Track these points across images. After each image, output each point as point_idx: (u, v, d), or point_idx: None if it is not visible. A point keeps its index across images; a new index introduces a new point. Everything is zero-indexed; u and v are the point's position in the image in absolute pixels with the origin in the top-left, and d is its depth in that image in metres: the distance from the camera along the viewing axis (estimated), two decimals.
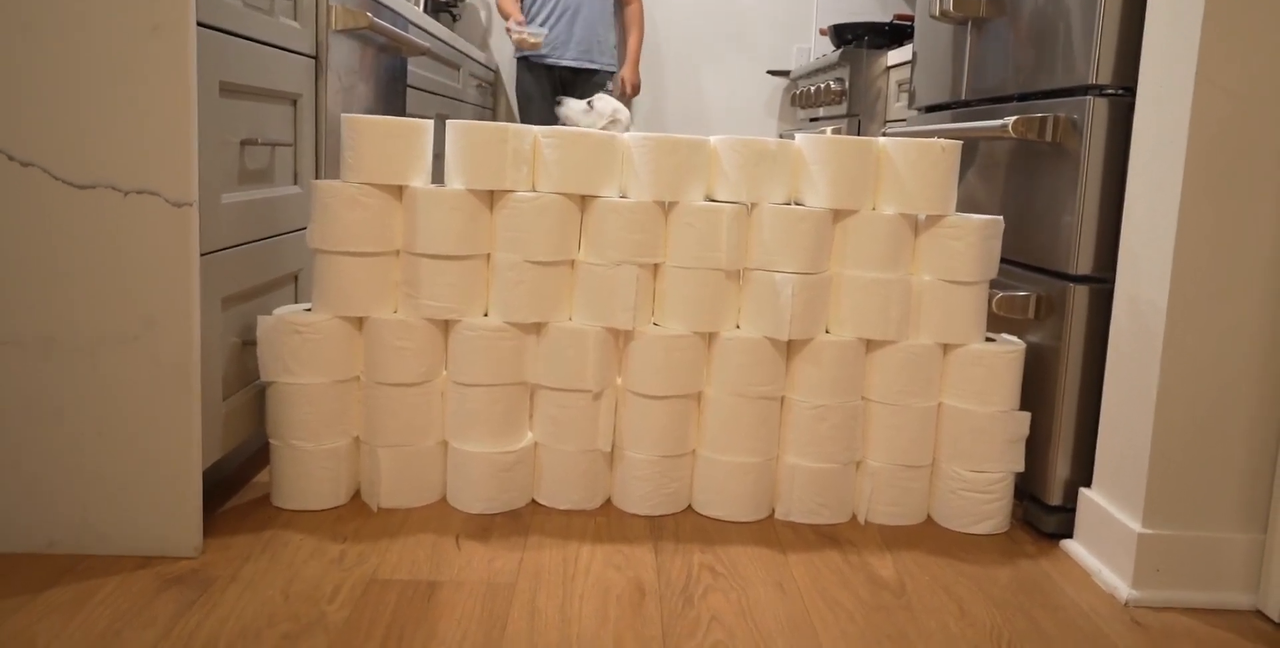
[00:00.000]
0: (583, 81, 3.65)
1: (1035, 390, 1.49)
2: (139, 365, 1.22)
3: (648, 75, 4.09)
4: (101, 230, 1.19)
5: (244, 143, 1.40)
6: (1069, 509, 1.44)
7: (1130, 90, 1.36)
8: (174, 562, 1.25)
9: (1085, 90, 1.40)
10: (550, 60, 3.64)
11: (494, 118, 4.07)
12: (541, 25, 3.60)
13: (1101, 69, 1.37)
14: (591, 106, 2.83)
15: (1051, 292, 1.47)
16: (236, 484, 1.53)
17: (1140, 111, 1.32)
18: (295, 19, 1.60)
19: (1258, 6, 1.19)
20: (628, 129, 2.76)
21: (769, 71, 4.10)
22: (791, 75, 3.98)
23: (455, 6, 3.83)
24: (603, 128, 2.72)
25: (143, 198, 1.19)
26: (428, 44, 2.32)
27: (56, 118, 1.17)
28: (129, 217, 1.19)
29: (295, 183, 1.63)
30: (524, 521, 1.44)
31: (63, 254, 1.20)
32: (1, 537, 1.24)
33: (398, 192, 1.44)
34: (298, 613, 1.14)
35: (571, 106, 2.84)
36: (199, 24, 1.22)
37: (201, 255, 1.24)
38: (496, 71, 4.06)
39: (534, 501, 1.51)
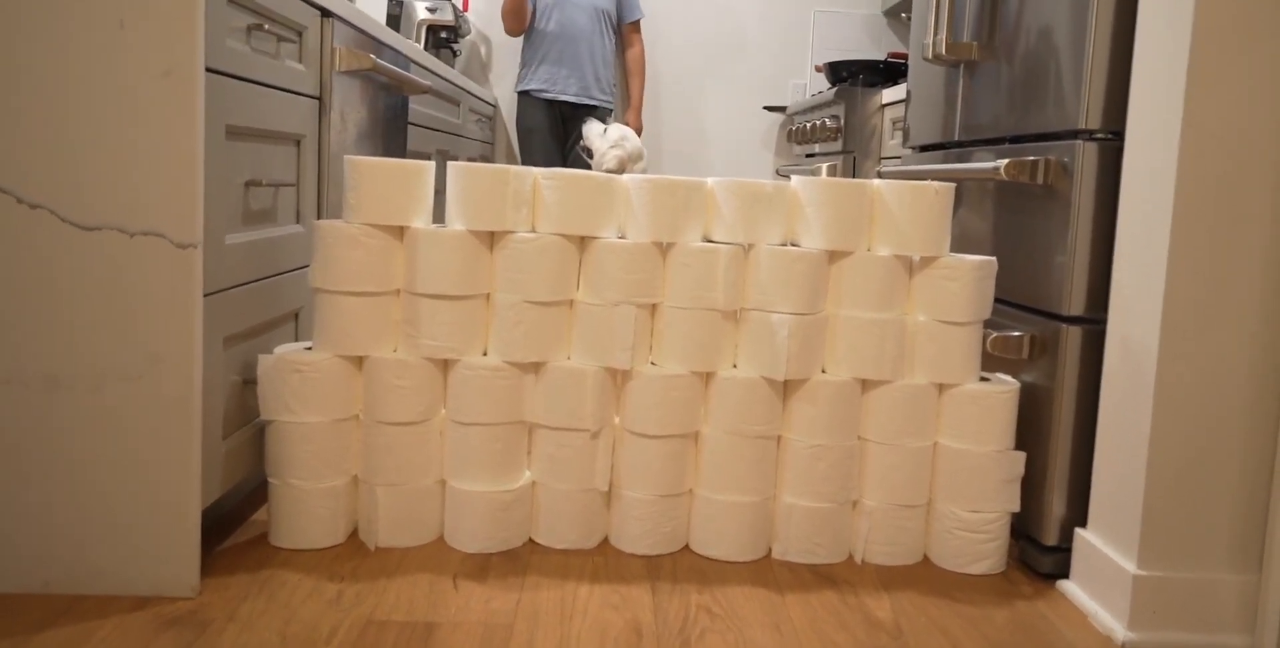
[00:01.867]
0: (582, 116, 3.70)
1: (1030, 430, 1.50)
2: (141, 404, 1.23)
3: (647, 108, 4.13)
4: (107, 271, 1.21)
5: (248, 184, 1.42)
6: (1065, 549, 1.45)
7: (1119, 134, 1.38)
8: (171, 602, 1.25)
9: (1075, 134, 1.43)
10: (550, 95, 3.70)
11: (494, 152, 4.11)
12: (543, 61, 3.67)
13: (1091, 114, 1.40)
14: (606, 131, 2.98)
15: (1045, 332, 1.48)
16: (234, 523, 1.54)
17: (1129, 155, 1.35)
18: (300, 62, 1.63)
19: (1242, 52, 1.22)
20: (634, 158, 2.82)
21: (765, 107, 4.15)
22: (788, 111, 4.02)
23: (456, 43, 3.88)
24: (608, 151, 2.79)
25: (148, 239, 1.21)
26: (429, 82, 2.35)
27: (65, 161, 1.19)
28: (134, 258, 1.21)
29: (298, 221, 1.65)
30: (522, 560, 1.44)
31: (68, 294, 1.21)
32: None
33: (399, 232, 1.46)
34: None
35: (593, 126, 2.98)
36: (207, 69, 1.24)
37: (205, 295, 1.26)
38: (496, 106, 4.11)
39: (531, 540, 1.51)
